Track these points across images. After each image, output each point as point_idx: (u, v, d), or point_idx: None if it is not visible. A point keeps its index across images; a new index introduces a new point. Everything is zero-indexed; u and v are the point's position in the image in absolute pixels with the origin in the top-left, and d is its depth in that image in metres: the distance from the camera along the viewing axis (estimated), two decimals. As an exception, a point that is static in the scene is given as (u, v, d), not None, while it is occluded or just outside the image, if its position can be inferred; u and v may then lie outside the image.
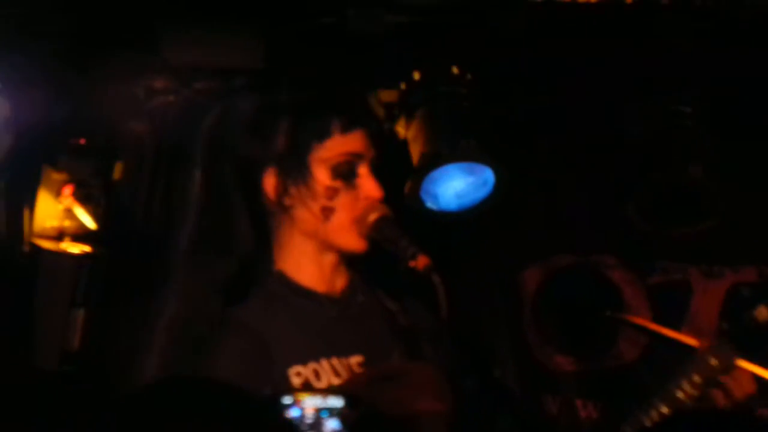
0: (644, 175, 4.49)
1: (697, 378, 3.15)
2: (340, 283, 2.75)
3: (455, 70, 4.24)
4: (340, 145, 2.70)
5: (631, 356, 4.85)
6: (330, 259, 2.73)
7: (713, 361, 3.16)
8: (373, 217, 2.67)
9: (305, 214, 2.71)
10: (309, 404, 2.17)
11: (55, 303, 4.48)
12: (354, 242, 2.70)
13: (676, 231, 4.55)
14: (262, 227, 2.72)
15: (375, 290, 2.78)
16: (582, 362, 4.87)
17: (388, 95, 4.26)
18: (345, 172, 2.69)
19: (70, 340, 4.47)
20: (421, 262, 2.54)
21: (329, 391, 2.23)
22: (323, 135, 2.68)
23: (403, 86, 4.25)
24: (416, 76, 4.24)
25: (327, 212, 2.69)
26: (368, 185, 2.69)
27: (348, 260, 2.75)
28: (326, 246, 2.71)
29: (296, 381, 2.61)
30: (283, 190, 2.70)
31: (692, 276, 4.91)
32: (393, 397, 2.31)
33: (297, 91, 2.77)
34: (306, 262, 2.73)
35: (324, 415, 2.17)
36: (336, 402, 2.18)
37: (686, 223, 4.52)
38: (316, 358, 2.65)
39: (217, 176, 2.72)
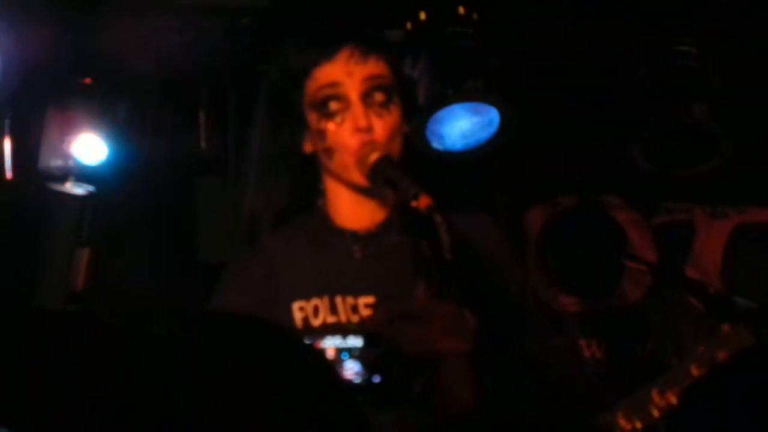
0: (649, 115, 4.48)
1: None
2: (374, 220, 2.75)
3: (461, 10, 4.21)
4: (320, 75, 2.70)
5: (634, 296, 4.86)
6: (360, 198, 2.73)
7: None
8: (373, 157, 2.66)
9: (321, 159, 2.74)
10: (329, 345, 2.18)
11: (60, 243, 4.47)
12: (356, 178, 2.70)
13: (680, 171, 4.55)
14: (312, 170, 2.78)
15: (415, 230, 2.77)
16: (586, 302, 4.88)
17: (394, 35, 4.24)
18: (330, 112, 2.68)
19: (74, 279, 4.46)
20: (423, 202, 2.51)
21: (349, 330, 2.24)
22: (308, 69, 2.71)
23: (409, 26, 4.22)
24: (422, 16, 4.21)
25: (328, 152, 2.71)
26: (352, 117, 2.68)
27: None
28: (346, 185, 2.72)
29: (298, 316, 2.64)
30: (302, 142, 2.76)
31: (696, 216, 4.91)
32: (414, 336, 2.31)
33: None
34: (341, 203, 2.74)
35: (345, 357, 2.17)
36: (356, 342, 2.18)
37: (691, 163, 4.51)
38: (320, 295, 2.66)
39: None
